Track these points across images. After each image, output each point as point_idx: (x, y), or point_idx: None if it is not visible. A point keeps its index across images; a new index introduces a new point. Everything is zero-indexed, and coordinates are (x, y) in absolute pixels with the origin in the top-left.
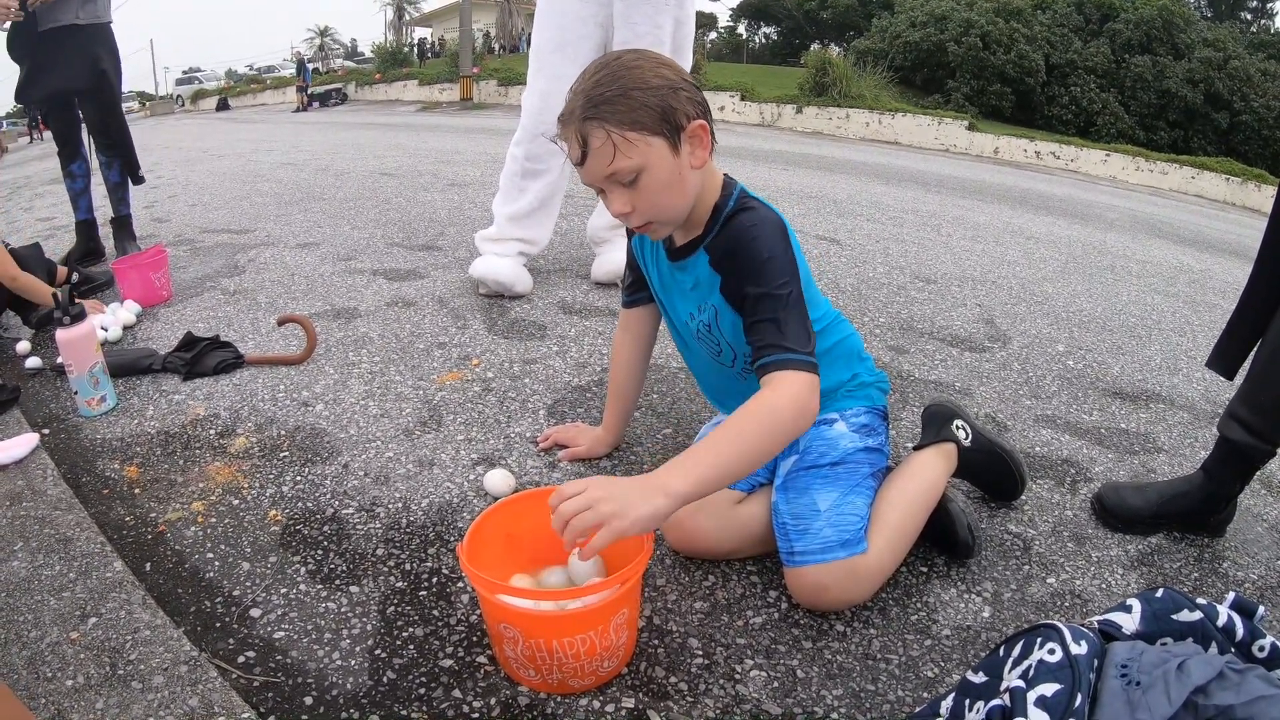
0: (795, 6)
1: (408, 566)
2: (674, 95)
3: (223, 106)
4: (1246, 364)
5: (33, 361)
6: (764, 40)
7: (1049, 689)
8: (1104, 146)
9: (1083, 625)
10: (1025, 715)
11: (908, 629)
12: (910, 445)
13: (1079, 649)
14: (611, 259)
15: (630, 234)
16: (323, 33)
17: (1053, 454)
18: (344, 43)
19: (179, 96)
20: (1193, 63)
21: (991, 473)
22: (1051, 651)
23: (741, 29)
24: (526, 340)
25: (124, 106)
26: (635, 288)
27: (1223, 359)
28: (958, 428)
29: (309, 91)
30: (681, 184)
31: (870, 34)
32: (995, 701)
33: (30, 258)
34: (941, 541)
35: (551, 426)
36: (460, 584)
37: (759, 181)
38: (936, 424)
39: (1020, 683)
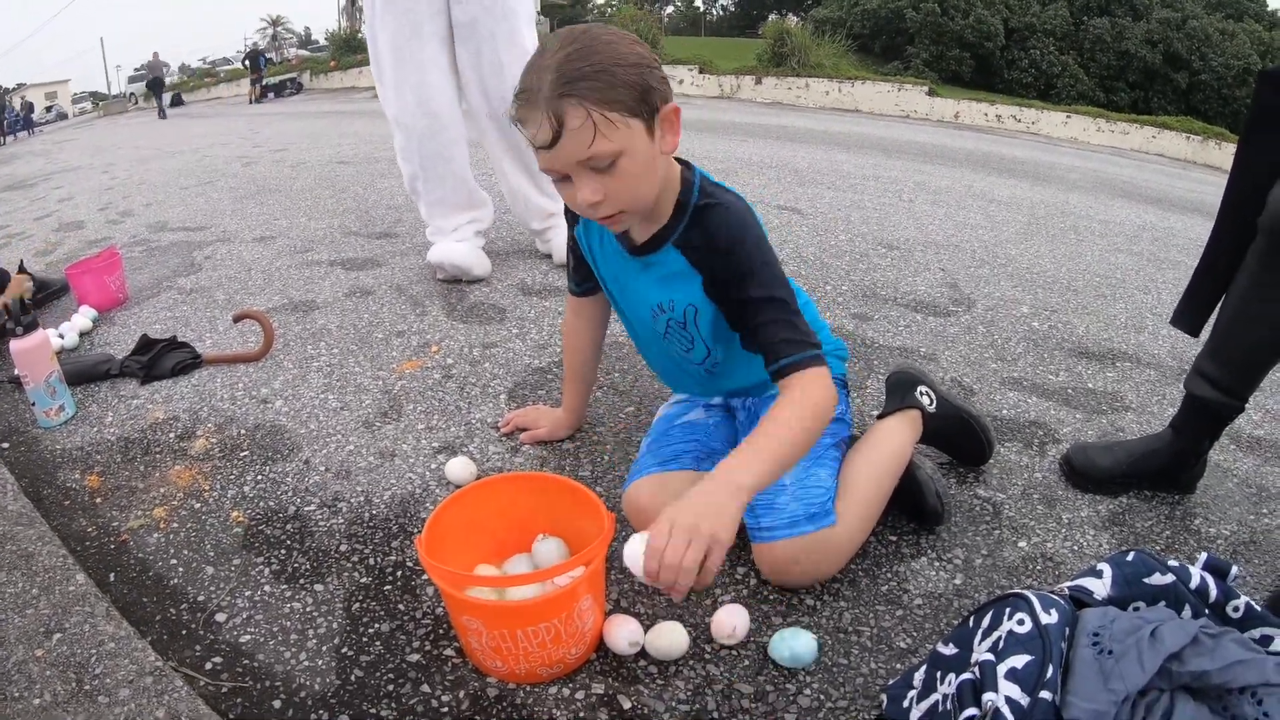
0: None
1: (371, 561)
2: (650, 74)
3: (176, 102)
4: (1211, 320)
5: None
6: (721, 12)
7: (1019, 661)
8: (1064, 108)
9: (1052, 592)
10: (996, 689)
11: (878, 600)
12: (876, 414)
13: (1049, 618)
14: (563, 239)
15: (572, 223)
16: (275, 22)
17: (1020, 416)
18: (297, 32)
19: (132, 95)
20: (1151, 23)
21: (958, 438)
22: (1021, 622)
23: (699, 2)
24: (486, 324)
25: (78, 108)
26: (583, 277)
27: (1187, 315)
28: (922, 394)
29: (264, 82)
30: (653, 170)
31: (828, 3)
32: (965, 675)
33: None
34: (910, 509)
35: (512, 409)
36: (425, 576)
37: (720, 153)
38: (900, 391)
39: (990, 655)
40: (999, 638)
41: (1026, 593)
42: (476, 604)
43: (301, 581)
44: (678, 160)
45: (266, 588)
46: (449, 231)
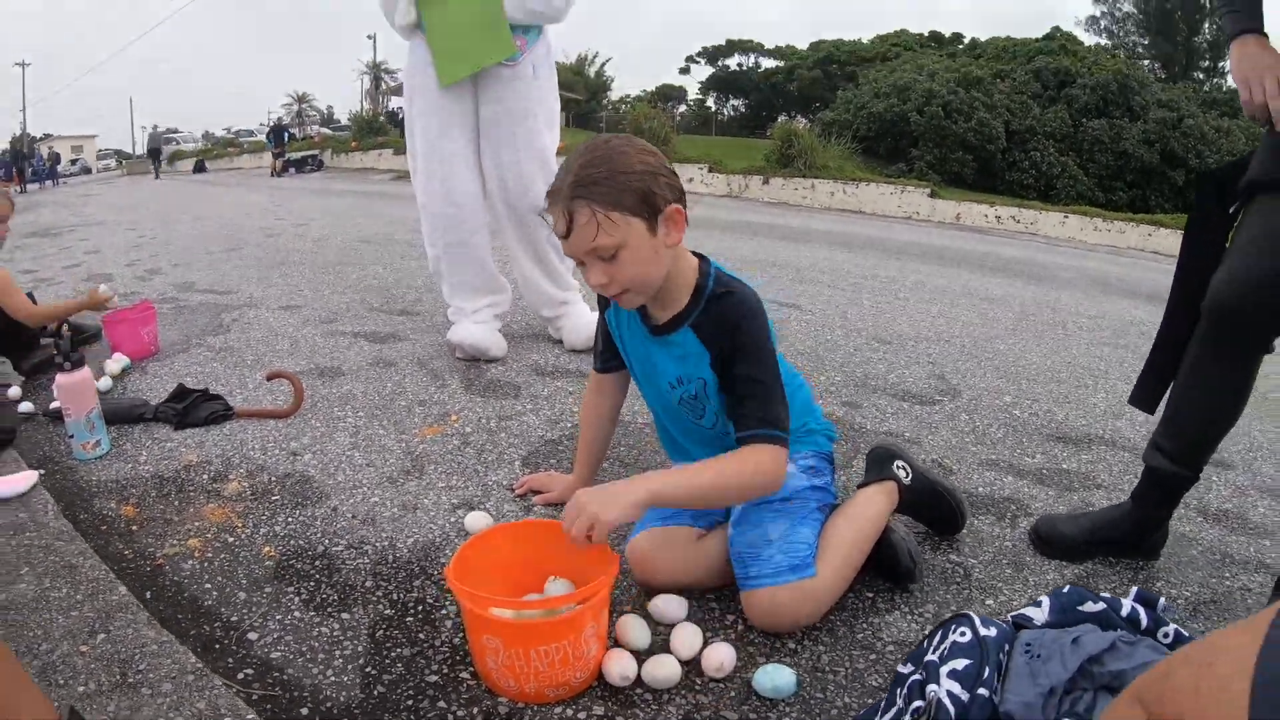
0: (762, 80)
1: (395, 596)
2: (654, 180)
3: (200, 169)
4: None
5: (25, 406)
6: (732, 113)
7: (960, 664)
8: (1062, 209)
9: (996, 617)
10: (938, 682)
11: (854, 645)
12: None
13: (988, 631)
14: (582, 324)
15: (603, 306)
16: (300, 99)
17: (995, 493)
18: (321, 110)
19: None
20: (1148, 123)
21: (933, 508)
22: (963, 634)
23: (710, 102)
24: (502, 399)
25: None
26: (609, 356)
27: (1143, 395)
28: (899, 467)
29: (285, 157)
30: (657, 260)
31: (835, 106)
32: (914, 677)
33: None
34: (886, 569)
35: (526, 474)
36: (444, 610)
37: (726, 250)
38: (879, 464)
39: (935, 658)
40: (945, 647)
41: (970, 613)
42: (497, 622)
43: (329, 610)
44: (696, 254)
45: (296, 614)
46: (469, 313)
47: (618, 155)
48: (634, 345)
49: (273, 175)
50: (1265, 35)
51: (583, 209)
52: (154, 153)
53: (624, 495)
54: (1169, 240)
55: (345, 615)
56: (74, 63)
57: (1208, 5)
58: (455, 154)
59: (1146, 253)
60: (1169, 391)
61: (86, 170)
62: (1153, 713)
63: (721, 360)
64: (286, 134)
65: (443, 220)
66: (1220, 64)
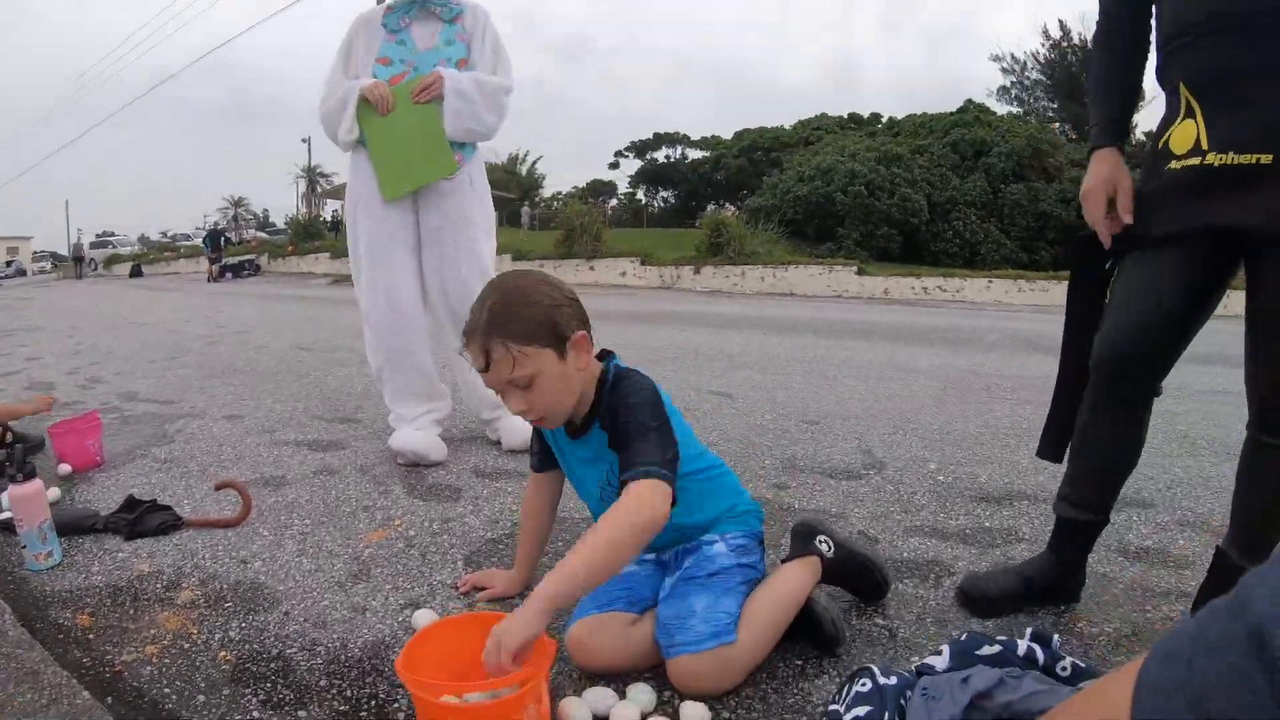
0: (690, 170)
1: (349, 693)
2: (558, 311)
3: (136, 273)
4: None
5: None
6: (662, 204)
7: (861, 710)
8: (986, 273)
9: (898, 670)
10: None
11: (785, 710)
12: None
13: (887, 681)
14: (519, 424)
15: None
16: (236, 203)
17: (919, 557)
18: (257, 213)
19: (93, 260)
20: (1064, 183)
21: (856, 578)
22: (864, 684)
23: (641, 194)
24: (443, 501)
25: (37, 266)
26: (544, 455)
27: (1048, 446)
28: (820, 541)
29: (222, 261)
30: (569, 384)
31: (762, 192)
32: None
33: None
34: (812, 637)
35: (469, 573)
36: (396, 704)
37: (659, 342)
38: (801, 539)
39: (839, 708)
40: (848, 698)
41: (871, 665)
42: (447, 708)
43: (287, 709)
44: (602, 351)
45: (255, 713)
46: (410, 419)
47: (523, 293)
48: (560, 448)
49: (210, 280)
50: (1114, 148)
51: (498, 346)
52: (77, 259)
53: (522, 615)
54: None
55: (302, 713)
56: (9, 162)
57: None
58: (397, 263)
59: None
60: (1070, 443)
61: (22, 272)
62: None
63: (612, 435)
64: (223, 239)
65: (385, 328)
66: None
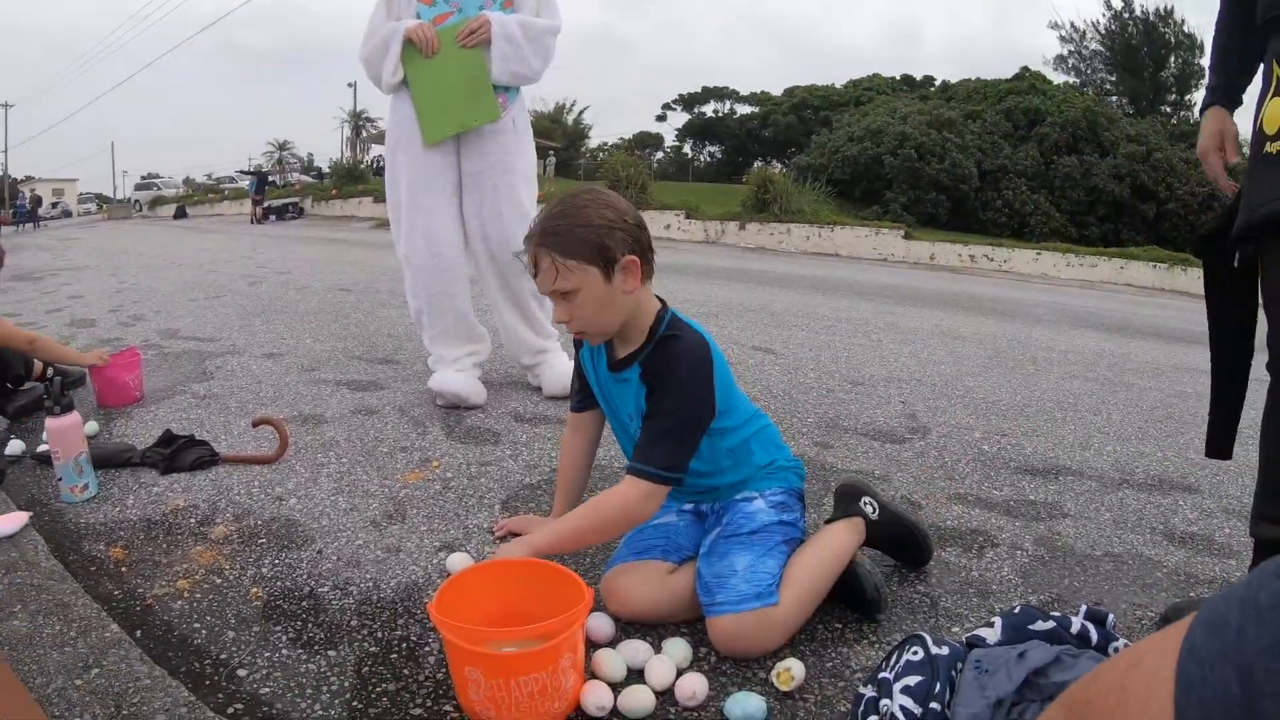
0: (738, 126)
1: (380, 634)
2: (610, 234)
3: (180, 214)
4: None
5: (13, 447)
6: (709, 159)
7: (912, 680)
8: (1034, 245)
9: (949, 639)
10: (891, 697)
11: (823, 674)
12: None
13: (940, 650)
14: (559, 371)
15: (578, 346)
16: (281, 146)
17: (962, 526)
18: (301, 157)
19: (137, 201)
20: (1118, 158)
21: (899, 542)
22: (915, 653)
23: (687, 148)
24: (482, 445)
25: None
26: (583, 394)
27: (1216, 446)
28: (865, 504)
29: (266, 204)
30: (612, 305)
31: (810, 150)
32: (870, 694)
33: (4, 354)
34: (853, 601)
35: (506, 517)
36: (428, 647)
37: (702, 297)
38: (846, 501)
39: (889, 675)
40: (898, 666)
41: (922, 634)
42: (478, 655)
43: (316, 648)
44: (659, 298)
45: (284, 651)
46: (450, 361)
47: (579, 210)
48: (599, 380)
49: (253, 222)
50: (1224, 106)
51: (544, 256)
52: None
53: (514, 550)
54: (1140, 272)
55: (332, 653)
56: (56, 106)
57: (1173, 40)
58: (438, 207)
59: (1119, 285)
60: (1261, 462)
61: (67, 213)
62: (1079, 715)
63: (647, 396)
64: (267, 181)
65: (425, 272)
66: (1187, 97)
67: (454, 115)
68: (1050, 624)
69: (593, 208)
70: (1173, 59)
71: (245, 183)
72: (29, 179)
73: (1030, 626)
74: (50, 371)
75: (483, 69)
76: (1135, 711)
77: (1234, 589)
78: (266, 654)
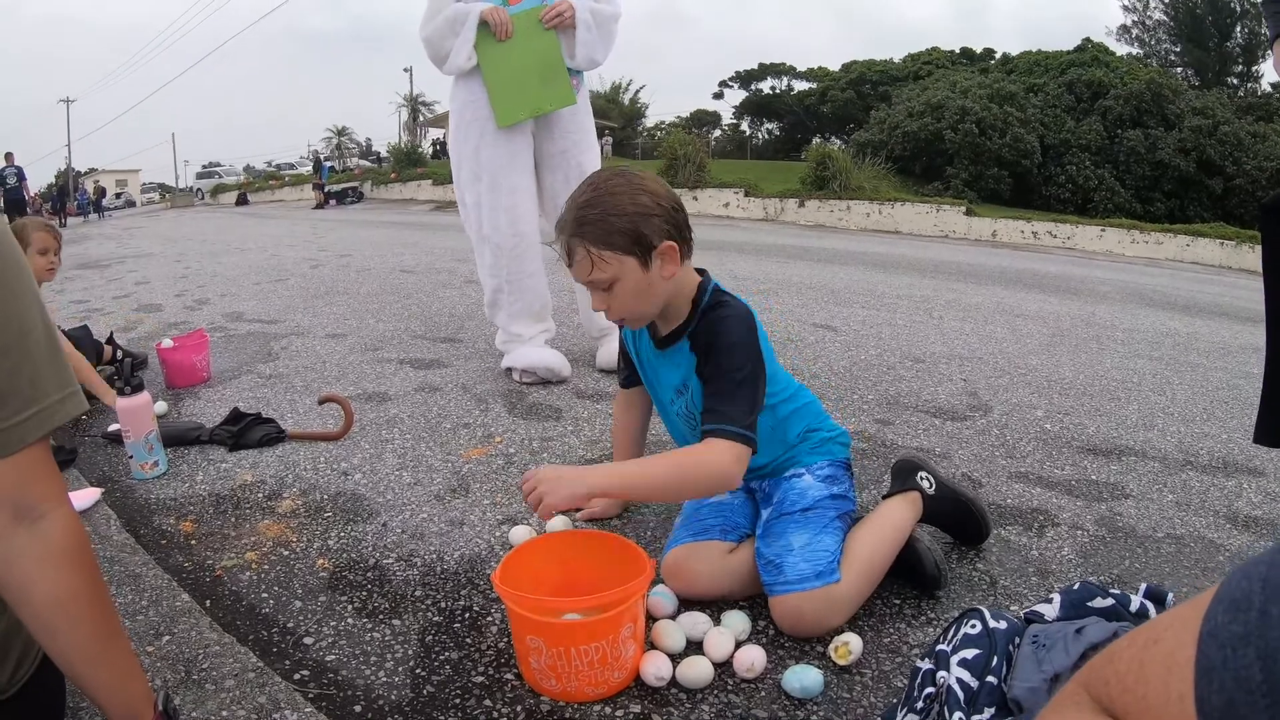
0: (796, 102)
1: (443, 604)
2: (646, 221)
3: (242, 201)
4: None
5: (160, 407)
6: (767, 136)
7: (970, 653)
8: (1099, 222)
9: (1007, 614)
10: (949, 669)
11: (881, 649)
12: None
13: (998, 624)
14: (613, 348)
15: (621, 324)
16: (340, 132)
17: (1023, 504)
18: (360, 142)
19: (199, 190)
20: (1183, 132)
21: (956, 518)
22: (974, 626)
23: (745, 126)
24: (544, 421)
25: (145, 197)
26: (629, 371)
27: (1264, 431)
28: (922, 478)
29: (326, 189)
30: (650, 292)
31: (869, 126)
32: (927, 667)
33: (80, 339)
34: (912, 577)
35: None
36: (490, 617)
37: (762, 274)
38: (903, 476)
39: (946, 648)
40: (956, 639)
41: (981, 608)
42: (540, 624)
43: (381, 617)
44: (697, 270)
45: (350, 620)
46: (527, 339)
47: (610, 198)
48: (646, 358)
49: (316, 207)
50: None
51: (579, 247)
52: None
53: (569, 485)
54: (1207, 250)
55: (396, 622)
56: (118, 99)
57: (1239, 9)
58: (520, 187)
59: (1185, 263)
60: None
61: (130, 204)
62: (1096, 694)
63: (700, 365)
64: (325, 168)
65: (508, 250)
66: (1254, 68)
67: (528, 99)
68: (1109, 601)
69: (626, 193)
70: (1239, 28)
71: (309, 168)
72: (92, 170)
73: (1089, 603)
74: (120, 354)
75: (557, 54)
76: (1155, 691)
77: (1256, 564)
78: (332, 623)
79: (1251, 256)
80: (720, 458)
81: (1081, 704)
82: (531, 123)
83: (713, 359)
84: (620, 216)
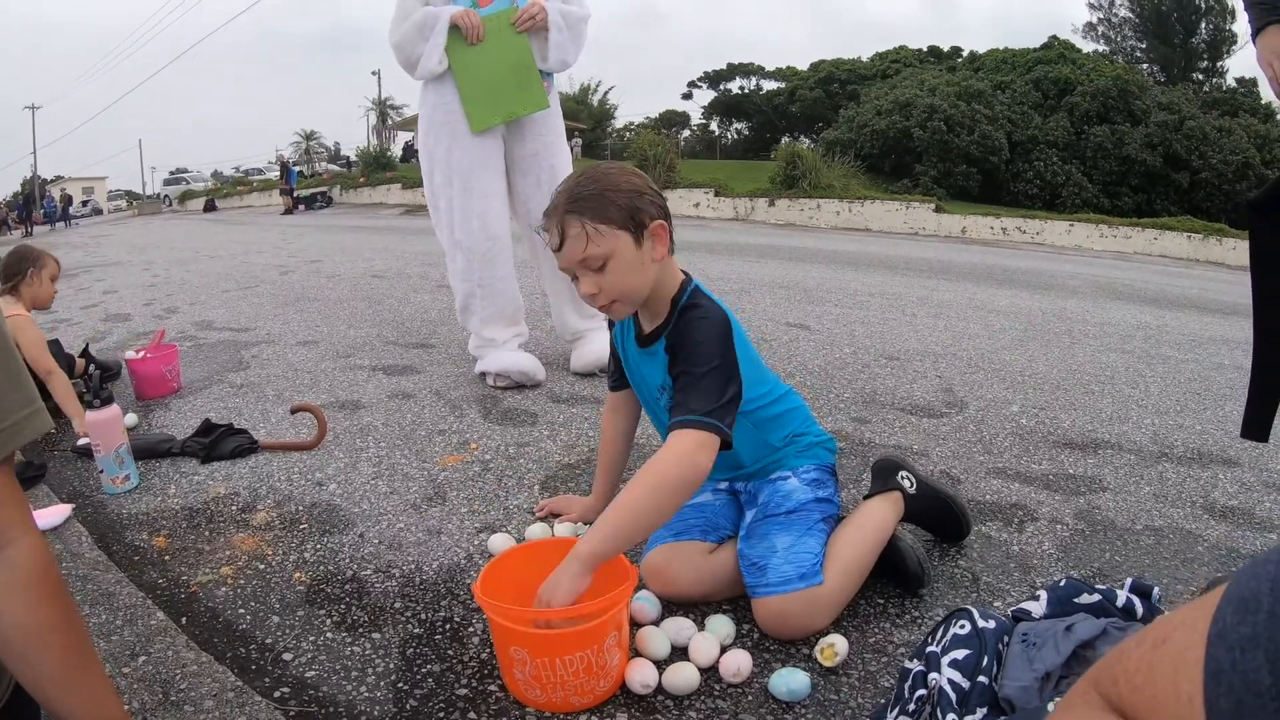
0: (765, 102)
1: (423, 616)
2: (639, 199)
3: (210, 208)
4: None
5: (130, 419)
6: (736, 135)
7: (960, 653)
8: (1067, 217)
9: (995, 613)
10: (939, 671)
11: (866, 649)
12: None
13: (986, 624)
14: (588, 350)
15: (610, 326)
16: (308, 136)
17: (1002, 500)
18: (328, 146)
19: (166, 196)
20: (1150, 127)
21: (937, 516)
22: (963, 627)
23: (714, 126)
24: (520, 426)
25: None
26: (618, 374)
27: (1253, 425)
28: (903, 477)
29: (295, 194)
30: (642, 272)
31: (838, 125)
32: (917, 668)
33: (50, 353)
34: (896, 576)
35: (546, 498)
36: (471, 628)
37: (734, 274)
38: (883, 475)
39: (936, 649)
40: (945, 639)
41: (969, 607)
42: (524, 634)
43: (361, 630)
44: (683, 272)
45: (329, 634)
46: (500, 343)
47: (604, 177)
48: (631, 356)
49: (285, 213)
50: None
51: (574, 223)
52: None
53: (567, 576)
54: (1175, 243)
55: (376, 635)
56: (84, 105)
57: (1203, 5)
58: (492, 191)
59: (1153, 256)
60: None
61: (98, 211)
62: (1105, 693)
63: (671, 365)
64: (293, 173)
65: (480, 254)
66: (1219, 64)
67: (502, 104)
68: (1096, 597)
69: (619, 174)
70: (1204, 25)
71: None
72: (59, 179)
73: (1076, 599)
74: (91, 368)
75: (529, 57)
76: (1163, 693)
77: (1265, 563)
78: (311, 638)
79: (1219, 249)
80: (681, 447)
81: (1092, 703)
82: (503, 126)
83: (679, 359)
84: (617, 192)
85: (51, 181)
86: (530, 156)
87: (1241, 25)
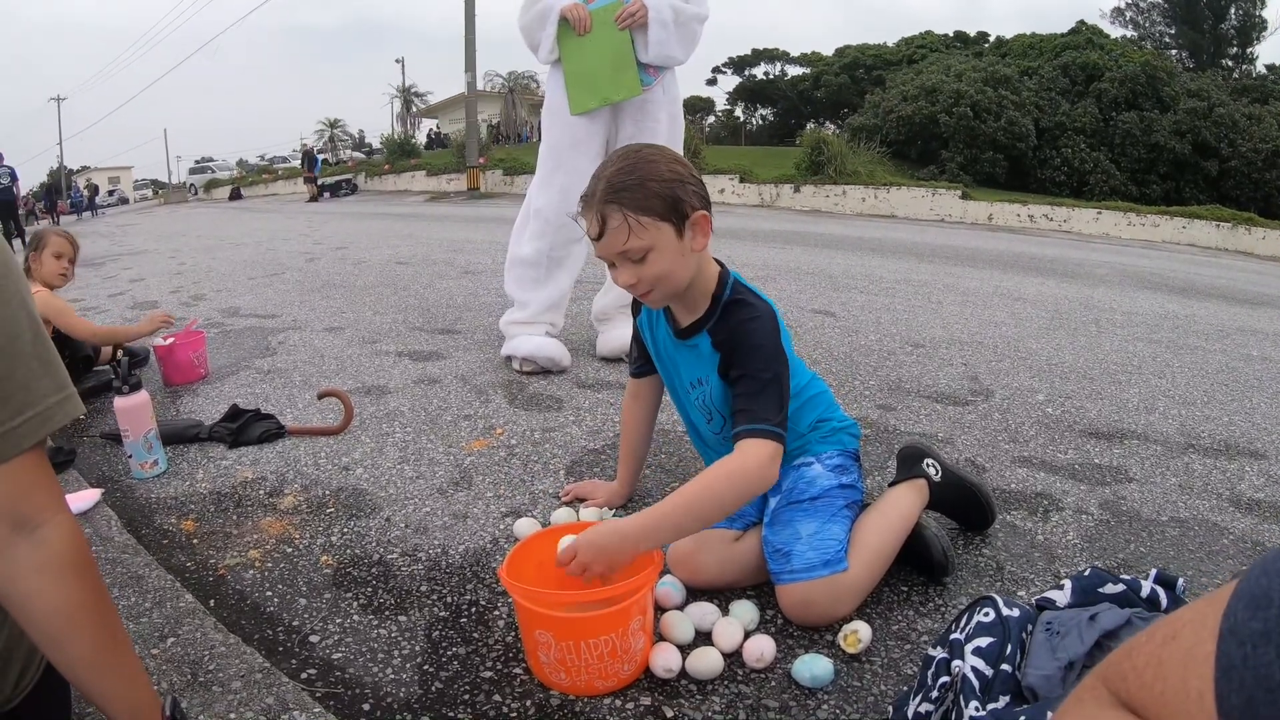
0: (790, 88)
1: (449, 599)
2: (682, 188)
3: (235, 196)
4: None
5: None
6: (761, 122)
7: (984, 641)
8: (1095, 205)
9: (1019, 601)
10: (963, 658)
11: (890, 636)
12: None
13: (1010, 612)
14: (614, 336)
15: (635, 312)
16: (333, 125)
17: (1027, 489)
18: (353, 134)
19: (192, 185)
20: (1179, 114)
21: (962, 505)
22: (987, 614)
23: (739, 112)
24: (545, 411)
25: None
26: (641, 360)
27: None
28: (928, 465)
29: (319, 182)
30: (683, 263)
31: (864, 110)
32: (941, 655)
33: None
34: (920, 564)
35: (571, 482)
36: (496, 611)
37: (759, 260)
38: (909, 463)
39: (960, 637)
40: (969, 627)
41: (993, 595)
42: (549, 618)
43: (387, 613)
44: (717, 262)
45: (355, 617)
46: (532, 325)
47: (647, 163)
48: (660, 347)
49: (309, 200)
50: None
51: (615, 213)
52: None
53: (613, 553)
54: (1203, 232)
55: (402, 618)
56: (109, 96)
57: None
58: (578, 168)
59: (1181, 245)
60: None
61: (124, 201)
62: (1115, 689)
63: (726, 365)
64: (317, 161)
65: (554, 224)
66: (1249, 50)
67: (598, 90)
68: (1120, 587)
69: (661, 161)
70: (1233, 10)
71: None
72: (85, 169)
73: (1100, 589)
74: (119, 354)
75: (629, 50)
76: (1173, 688)
77: (1276, 560)
78: (338, 620)
79: (1248, 238)
80: (755, 457)
81: (1101, 698)
82: (609, 112)
83: (738, 362)
84: (658, 182)
85: (78, 172)
86: (629, 140)
87: (1272, 11)
